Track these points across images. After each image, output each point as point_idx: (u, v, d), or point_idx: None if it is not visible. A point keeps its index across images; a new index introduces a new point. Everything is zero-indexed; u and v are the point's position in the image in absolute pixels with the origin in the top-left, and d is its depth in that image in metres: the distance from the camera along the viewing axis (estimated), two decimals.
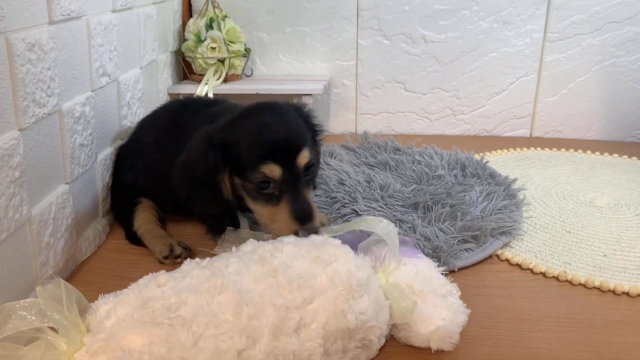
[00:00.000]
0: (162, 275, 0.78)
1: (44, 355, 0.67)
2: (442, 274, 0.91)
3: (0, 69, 0.82)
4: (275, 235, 0.92)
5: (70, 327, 0.69)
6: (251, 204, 0.99)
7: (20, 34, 0.87)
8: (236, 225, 0.99)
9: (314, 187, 1.13)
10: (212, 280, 0.76)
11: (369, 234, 0.93)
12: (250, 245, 0.86)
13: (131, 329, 0.69)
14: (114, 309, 0.72)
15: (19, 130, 0.87)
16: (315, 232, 0.92)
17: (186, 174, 0.99)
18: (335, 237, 0.90)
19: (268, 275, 0.78)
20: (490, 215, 1.19)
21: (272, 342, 0.73)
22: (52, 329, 0.70)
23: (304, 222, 0.93)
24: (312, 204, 0.97)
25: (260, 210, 0.98)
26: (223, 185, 0.97)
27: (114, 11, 1.23)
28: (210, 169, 0.96)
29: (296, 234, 0.91)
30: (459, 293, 0.88)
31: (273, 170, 0.93)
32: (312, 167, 0.99)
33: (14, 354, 0.67)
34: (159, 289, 0.75)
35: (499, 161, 1.61)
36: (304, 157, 0.95)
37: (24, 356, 0.67)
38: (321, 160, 1.18)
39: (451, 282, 0.89)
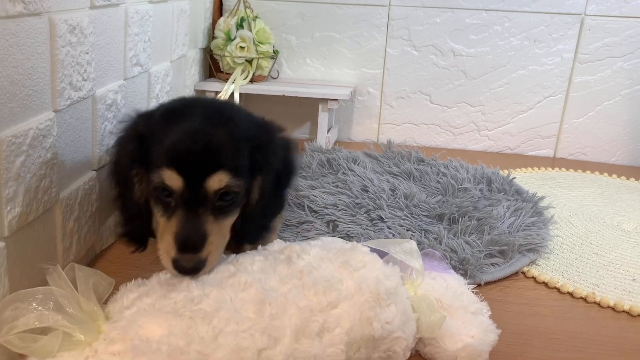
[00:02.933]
0: None
1: (61, 345, 0.66)
2: (472, 291, 0.89)
3: (41, 48, 0.81)
4: (159, 251, 0.77)
5: (87, 317, 0.68)
6: (154, 210, 0.81)
7: (63, 15, 0.86)
8: (145, 238, 0.85)
9: (252, 239, 0.88)
10: (236, 276, 0.74)
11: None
12: (277, 245, 0.85)
13: (151, 319, 0.68)
14: (139, 298, 0.71)
15: (54, 111, 0.87)
16: (198, 267, 0.75)
17: (112, 162, 0.86)
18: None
19: (293, 276, 0.77)
20: (518, 231, 1.17)
21: (294, 343, 0.71)
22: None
23: (184, 250, 0.74)
24: (210, 235, 0.76)
25: (157, 216, 0.80)
26: (137, 183, 0.81)
27: (150, 2, 1.23)
28: (123, 162, 0.81)
29: (175, 264, 0.74)
30: (489, 312, 0.85)
31: (172, 179, 0.75)
32: (233, 195, 0.78)
33: (30, 346, 0.65)
34: (182, 281, 0.74)
35: (524, 179, 1.58)
36: (217, 181, 0.75)
37: (41, 348, 0.65)
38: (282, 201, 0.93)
39: (481, 300, 0.87)
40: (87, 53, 0.95)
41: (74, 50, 0.90)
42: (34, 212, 0.83)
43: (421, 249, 1.01)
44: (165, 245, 0.76)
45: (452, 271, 0.93)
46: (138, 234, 0.84)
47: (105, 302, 0.74)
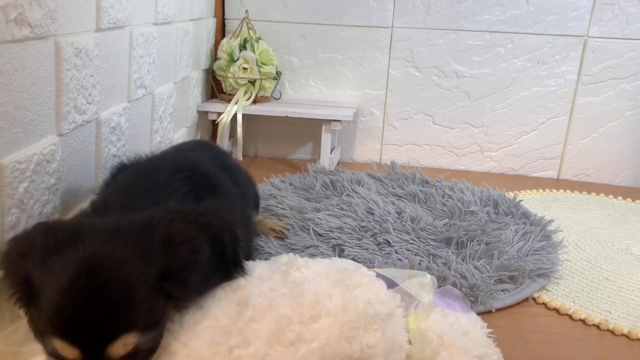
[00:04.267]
0: None
1: None
2: (489, 336, 0.85)
3: (47, 72, 0.80)
4: None
5: None
6: None
7: (69, 38, 0.85)
8: None
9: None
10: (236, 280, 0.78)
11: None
12: (286, 257, 0.85)
13: None
14: None
15: (58, 135, 0.85)
16: None
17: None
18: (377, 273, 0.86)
19: (284, 285, 0.78)
20: (527, 255, 1.15)
21: (266, 348, 0.71)
22: None
23: None
24: None
25: None
26: (29, 322, 0.67)
27: (155, 24, 1.23)
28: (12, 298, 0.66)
29: None
30: None
31: (65, 350, 0.62)
32: (146, 352, 0.66)
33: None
34: None
35: (529, 201, 1.57)
36: (122, 347, 0.63)
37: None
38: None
39: (495, 346, 0.84)
40: (92, 76, 0.93)
41: (79, 73, 0.89)
42: None
43: (442, 282, 1.00)
44: None
45: (470, 311, 0.90)
46: None
47: None
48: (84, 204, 0.97)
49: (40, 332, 0.63)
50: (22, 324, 0.73)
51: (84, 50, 0.89)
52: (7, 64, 0.70)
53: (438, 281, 1.00)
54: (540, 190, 1.70)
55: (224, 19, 1.86)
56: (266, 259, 0.88)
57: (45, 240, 0.64)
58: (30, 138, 0.77)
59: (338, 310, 0.77)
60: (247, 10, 1.79)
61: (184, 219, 0.70)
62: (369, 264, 1.10)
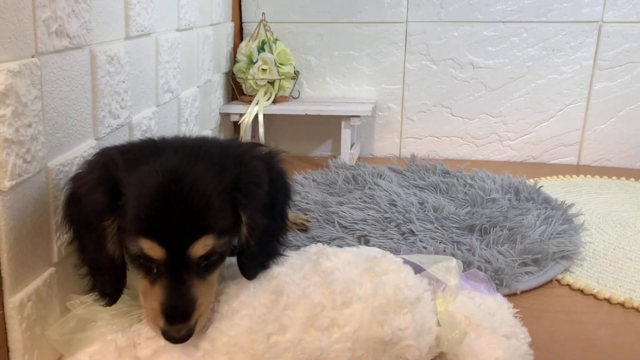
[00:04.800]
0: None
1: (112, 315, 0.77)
2: (516, 316, 0.87)
3: (84, 79, 0.85)
4: (144, 314, 0.75)
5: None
6: (131, 267, 0.77)
7: (103, 47, 0.90)
8: (118, 293, 0.77)
9: (262, 267, 0.83)
10: (269, 269, 0.82)
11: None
12: (315, 247, 0.89)
13: None
14: None
15: (95, 139, 0.90)
16: (188, 335, 0.72)
17: (71, 209, 0.75)
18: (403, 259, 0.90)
19: (316, 274, 0.83)
20: (550, 239, 1.17)
21: (302, 334, 0.76)
22: None
23: (172, 321, 0.71)
24: (199, 297, 0.73)
25: (138, 278, 0.75)
26: (108, 234, 0.72)
27: (178, 30, 1.27)
28: (93, 212, 0.71)
29: (164, 335, 0.72)
30: (528, 339, 0.83)
31: (153, 250, 0.70)
32: (218, 253, 0.74)
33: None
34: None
35: (549, 187, 1.59)
36: (201, 248, 0.71)
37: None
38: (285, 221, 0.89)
39: (521, 325, 0.85)
40: (123, 82, 0.98)
41: (112, 79, 0.94)
42: None
43: (467, 267, 1.03)
44: (151, 313, 0.72)
45: (496, 293, 0.92)
46: (110, 289, 0.76)
47: None
48: None
49: (127, 235, 0.70)
50: (72, 316, 0.78)
51: (116, 57, 0.94)
52: (50, 74, 0.75)
53: (463, 266, 1.03)
54: (561, 177, 1.71)
55: (241, 23, 1.91)
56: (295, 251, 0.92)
57: (126, 154, 0.73)
58: (71, 142, 0.82)
59: (368, 296, 0.81)
60: (263, 13, 1.83)
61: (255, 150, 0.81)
62: (395, 252, 1.13)
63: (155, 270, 0.72)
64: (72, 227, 0.75)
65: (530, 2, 1.75)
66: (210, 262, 0.74)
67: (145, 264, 0.72)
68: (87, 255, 0.75)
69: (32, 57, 0.70)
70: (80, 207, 0.72)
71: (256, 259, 0.80)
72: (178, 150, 0.75)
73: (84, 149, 0.85)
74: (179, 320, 0.71)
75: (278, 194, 0.83)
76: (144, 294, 0.74)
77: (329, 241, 1.21)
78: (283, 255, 0.86)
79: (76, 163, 0.83)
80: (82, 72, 0.84)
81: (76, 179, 0.74)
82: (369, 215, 1.30)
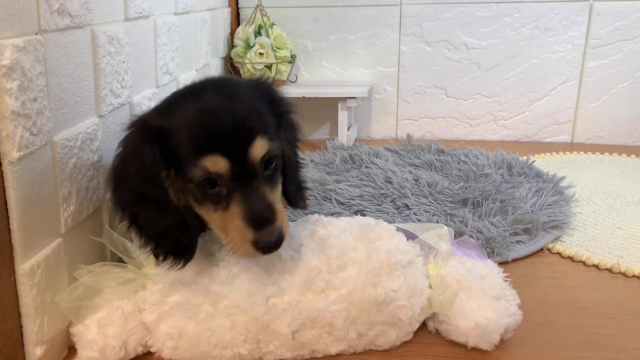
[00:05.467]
0: None
1: (118, 283, 0.83)
2: (506, 281, 0.90)
3: (85, 58, 0.88)
4: (232, 252, 0.77)
5: (140, 262, 0.86)
6: (200, 211, 0.77)
7: (103, 27, 0.93)
8: (194, 246, 0.79)
9: (302, 197, 0.91)
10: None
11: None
12: (313, 217, 0.94)
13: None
14: None
15: (98, 117, 0.93)
16: (280, 239, 0.75)
17: (120, 180, 0.77)
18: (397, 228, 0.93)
19: (312, 241, 0.87)
20: (541, 210, 1.21)
21: (299, 296, 0.80)
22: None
23: (261, 226, 0.73)
24: (275, 203, 0.76)
25: (210, 217, 0.77)
26: (169, 187, 0.75)
27: (176, 13, 1.30)
28: (147, 166, 0.73)
29: (257, 245, 0.74)
30: (517, 300, 0.86)
31: (217, 164, 0.72)
32: (275, 159, 0.78)
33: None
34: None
35: (542, 164, 1.62)
36: (260, 147, 0.73)
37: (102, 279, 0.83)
38: (300, 153, 0.95)
39: (511, 288, 0.88)
40: (124, 62, 1.01)
41: (113, 59, 0.97)
42: (85, 211, 0.89)
43: (457, 236, 1.06)
44: (237, 234, 0.73)
45: (487, 259, 0.95)
46: (184, 244, 0.78)
47: None
48: None
49: (189, 168, 0.72)
50: (79, 284, 0.82)
51: (116, 38, 0.97)
52: (53, 51, 0.78)
53: (455, 236, 1.06)
54: (554, 154, 1.74)
55: (237, 8, 1.93)
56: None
57: (157, 109, 0.79)
58: (75, 118, 0.85)
59: (362, 260, 0.84)
60: None
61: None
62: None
63: (225, 192, 0.73)
64: (127, 196, 0.76)
65: None
66: (272, 170, 0.77)
67: (212, 192, 0.73)
68: (151, 220, 0.76)
69: (36, 34, 0.73)
70: (132, 172, 0.74)
71: (297, 178, 0.88)
72: (205, 84, 0.80)
73: (87, 126, 0.88)
74: (266, 224, 0.73)
75: (294, 127, 0.89)
76: (222, 226, 0.75)
77: (327, 216, 1.24)
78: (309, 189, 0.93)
79: (80, 139, 0.86)
80: (84, 51, 0.87)
81: (120, 153, 0.78)
82: (365, 191, 1.33)
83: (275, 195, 0.78)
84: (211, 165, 0.72)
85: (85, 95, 0.88)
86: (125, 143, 0.77)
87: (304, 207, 0.96)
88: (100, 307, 0.82)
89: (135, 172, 0.74)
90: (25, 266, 0.73)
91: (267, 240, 0.73)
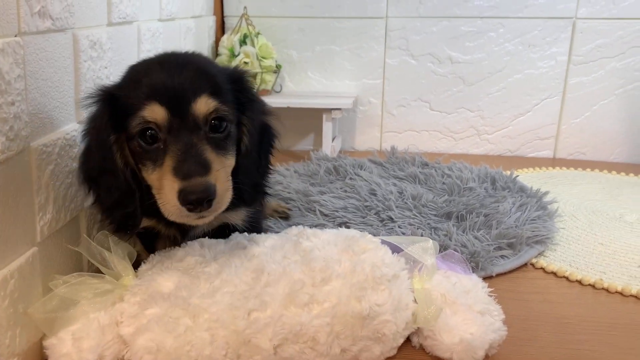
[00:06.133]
0: (208, 240, 0.89)
1: (95, 294, 0.80)
2: (490, 296, 0.90)
3: (66, 62, 0.86)
4: (164, 210, 0.74)
5: (118, 273, 0.82)
6: (143, 174, 0.77)
7: (85, 31, 0.91)
8: (139, 213, 0.79)
9: (256, 198, 0.91)
10: (247, 249, 0.86)
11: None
12: (296, 229, 0.93)
13: (165, 276, 0.81)
14: (160, 262, 0.85)
15: (78, 122, 0.91)
16: (208, 193, 0.71)
17: (84, 154, 0.81)
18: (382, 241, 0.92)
19: (296, 253, 0.86)
20: (525, 224, 1.20)
21: (282, 310, 0.78)
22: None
23: (187, 176, 0.70)
24: (213, 162, 0.74)
25: (150, 178, 0.76)
26: (117, 151, 0.76)
27: (160, 20, 1.28)
28: (98, 128, 0.75)
29: (181, 198, 0.70)
30: (502, 316, 0.86)
31: (154, 112, 0.72)
32: (225, 123, 0.77)
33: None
34: (200, 249, 0.86)
35: (525, 179, 1.62)
36: (203, 104, 0.73)
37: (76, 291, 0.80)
38: (271, 158, 0.93)
39: (495, 303, 0.88)
40: (106, 67, 0.99)
41: (95, 64, 0.95)
42: (62, 219, 0.86)
43: (441, 249, 1.05)
44: (167, 186, 0.71)
45: (471, 273, 0.95)
46: (130, 211, 0.77)
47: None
48: None
49: (130, 118, 0.73)
50: (54, 295, 0.79)
51: (98, 42, 0.95)
52: (33, 54, 0.76)
53: (440, 250, 1.06)
54: (537, 169, 1.75)
55: (223, 17, 1.92)
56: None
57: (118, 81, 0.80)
58: (54, 124, 0.83)
59: (347, 273, 0.83)
60: (245, 7, 1.85)
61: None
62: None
63: (162, 147, 0.73)
64: (90, 169, 0.78)
65: None
66: (220, 134, 0.76)
67: (151, 145, 0.73)
68: (107, 191, 0.78)
69: (15, 36, 0.71)
70: (91, 140, 0.77)
71: (253, 175, 0.84)
72: (171, 55, 0.83)
73: (66, 132, 0.86)
74: (195, 174, 0.70)
75: (267, 131, 0.88)
76: (159, 186, 0.74)
77: (310, 227, 1.23)
78: (269, 194, 0.94)
79: (59, 145, 0.84)
80: (65, 55, 0.85)
81: (84, 128, 0.81)
82: (349, 203, 1.32)
83: (221, 161, 0.76)
84: (149, 114, 0.73)
85: (65, 100, 0.86)
86: (87, 115, 0.79)
87: (257, 208, 0.94)
88: (76, 319, 0.79)
89: (91, 139, 0.77)
90: None
91: (191, 191, 0.69)
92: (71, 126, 0.88)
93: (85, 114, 0.80)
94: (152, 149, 0.74)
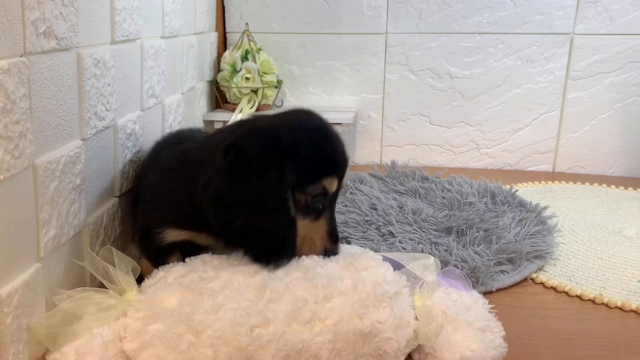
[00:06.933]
0: (209, 256, 0.90)
1: (98, 309, 0.80)
2: (491, 312, 0.90)
3: (70, 81, 0.87)
4: (303, 253, 0.88)
5: (122, 288, 0.83)
6: (296, 217, 0.87)
7: (89, 50, 0.92)
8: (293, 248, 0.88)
9: None
10: (250, 265, 0.86)
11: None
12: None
13: (169, 292, 0.81)
14: (164, 277, 0.85)
15: (81, 139, 0.92)
16: (337, 253, 0.90)
17: (235, 189, 0.82)
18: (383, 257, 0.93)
19: (299, 270, 0.86)
20: (524, 239, 1.21)
21: (285, 326, 0.78)
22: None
23: (335, 241, 0.90)
24: None
25: (299, 223, 0.86)
26: (290, 201, 0.83)
27: (163, 37, 1.30)
28: (283, 182, 0.80)
29: (325, 252, 0.89)
30: (503, 332, 0.86)
31: (332, 185, 0.85)
32: None
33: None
34: (203, 264, 0.87)
35: (525, 193, 1.63)
36: (346, 176, 0.91)
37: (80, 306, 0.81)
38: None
39: (496, 320, 0.88)
40: (109, 85, 1.00)
41: (98, 82, 0.96)
42: (66, 235, 0.87)
43: (444, 266, 1.06)
44: (317, 240, 0.88)
45: (472, 289, 0.95)
46: (291, 242, 0.87)
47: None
48: (106, 205, 1.04)
49: (306, 185, 0.83)
50: (58, 310, 0.79)
51: (102, 61, 0.97)
52: (38, 73, 0.77)
53: (441, 265, 1.06)
54: (537, 183, 1.76)
55: (224, 33, 1.94)
56: None
57: (269, 131, 0.86)
58: (58, 141, 0.84)
59: (349, 290, 0.83)
60: (247, 23, 1.87)
61: None
62: (375, 252, 1.16)
63: (321, 207, 0.87)
64: (243, 199, 0.82)
65: (506, 14, 1.81)
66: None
67: (316, 204, 0.86)
68: (263, 225, 0.84)
69: (21, 56, 0.73)
70: (256, 184, 0.81)
71: None
72: (301, 112, 0.93)
73: (70, 149, 0.87)
74: (338, 240, 0.90)
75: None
76: (304, 234, 0.87)
77: None
78: None
79: (63, 162, 0.85)
80: (69, 73, 0.86)
81: (238, 161, 0.82)
82: (350, 218, 1.32)
83: None
84: (328, 185, 0.85)
85: (69, 117, 0.87)
86: (252, 155, 0.81)
87: None
88: (79, 334, 0.79)
89: (264, 184, 0.81)
90: (2, 292, 0.71)
91: (336, 252, 0.89)
92: (74, 143, 0.89)
93: (247, 147, 0.82)
94: (315, 207, 0.86)
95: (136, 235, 1.02)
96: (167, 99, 1.35)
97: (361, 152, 1.98)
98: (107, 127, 1.01)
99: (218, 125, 1.80)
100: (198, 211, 0.85)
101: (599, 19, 1.77)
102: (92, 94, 0.94)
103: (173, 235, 0.92)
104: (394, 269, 0.91)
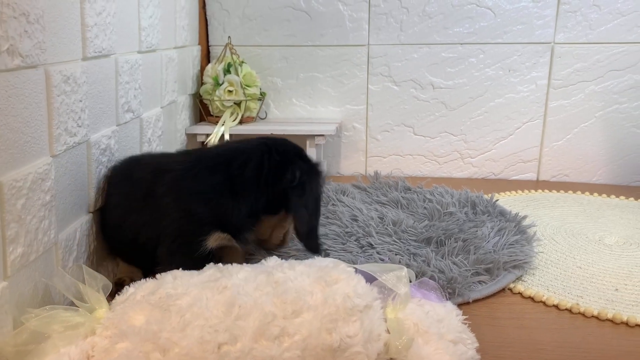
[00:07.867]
0: (180, 272, 0.89)
1: (66, 327, 0.79)
2: (465, 323, 0.89)
3: (38, 98, 0.87)
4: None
5: (90, 306, 0.83)
6: None
7: (58, 66, 0.92)
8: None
9: None
10: (219, 281, 0.85)
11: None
12: (273, 260, 0.93)
13: (137, 310, 0.81)
14: (133, 294, 0.84)
15: (51, 156, 0.92)
16: None
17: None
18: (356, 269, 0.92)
19: (268, 284, 0.85)
20: (502, 249, 1.21)
21: (252, 343, 0.78)
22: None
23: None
24: None
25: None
26: None
27: (139, 52, 1.30)
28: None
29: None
30: (476, 344, 0.86)
31: None
32: None
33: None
34: (173, 280, 0.86)
35: (508, 202, 1.63)
36: None
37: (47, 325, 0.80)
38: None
39: (469, 331, 0.88)
40: (80, 101, 1.00)
41: (69, 98, 0.96)
42: (35, 252, 0.87)
43: (421, 277, 1.05)
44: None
45: (446, 301, 0.94)
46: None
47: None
48: (79, 222, 1.03)
49: None
50: (25, 328, 0.78)
51: (72, 77, 0.97)
52: (1, 91, 0.77)
53: (417, 276, 1.06)
54: (520, 192, 1.76)
55: (208, 46, 1.95)
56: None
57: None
58: (25, 158, 0.84)
59: (318, 305, 0.83)
60: (229, 37, 1.87)
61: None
62: (352, 264, 1.16)
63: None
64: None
65: (487, 25, 1.83)
66: None
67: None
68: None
69: None
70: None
71: None
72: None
73: (38, 165, 0.87)
74: None
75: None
76: None
77: (288, 257, 1.23)
78: None
79: (30, 179, 0.84)
80: (37, 90, 0.86)
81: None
82: (330, 230, 1.32)
83: None
84: None
85: (36, 134, 0.87)
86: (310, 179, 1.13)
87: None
88: (47, 353, 0.78)
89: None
90: None
91: None
92: (43, 160, 0.89)
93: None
94: None
95: (163, 248, 1.03)
96: (145, 113, 1.35)
97: (346, 163, 1.99)
98: (79, 143, 1.01)
99: (201, 139, 1.80)
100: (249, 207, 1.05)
101: (578, 28, 1.78)
102: (62, 110, 0.94)
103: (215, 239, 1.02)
104: (367, 281, 0.91)
